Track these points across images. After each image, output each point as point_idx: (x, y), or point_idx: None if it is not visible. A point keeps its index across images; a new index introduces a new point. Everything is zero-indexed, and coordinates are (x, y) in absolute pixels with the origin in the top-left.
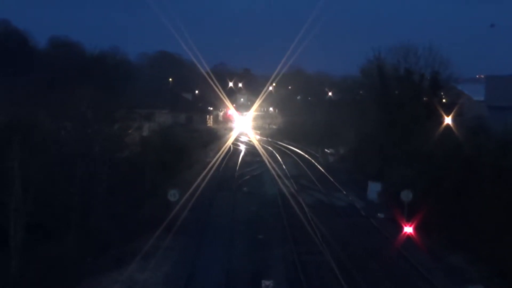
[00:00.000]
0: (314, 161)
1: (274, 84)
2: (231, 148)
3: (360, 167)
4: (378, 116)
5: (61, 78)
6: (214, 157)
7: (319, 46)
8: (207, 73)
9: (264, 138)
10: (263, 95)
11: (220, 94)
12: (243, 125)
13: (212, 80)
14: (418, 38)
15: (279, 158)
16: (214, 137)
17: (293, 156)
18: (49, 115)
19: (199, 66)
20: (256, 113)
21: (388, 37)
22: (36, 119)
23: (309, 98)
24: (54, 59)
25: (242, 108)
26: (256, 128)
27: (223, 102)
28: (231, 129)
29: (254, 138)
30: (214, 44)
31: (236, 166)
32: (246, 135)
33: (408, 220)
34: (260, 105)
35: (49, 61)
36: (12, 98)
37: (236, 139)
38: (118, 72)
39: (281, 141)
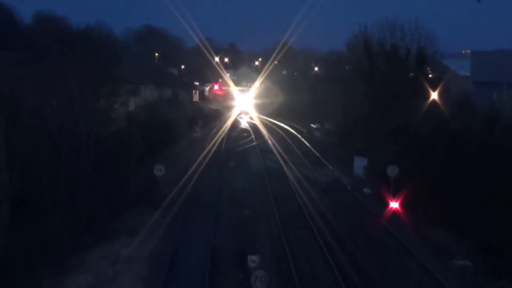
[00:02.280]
0: (300, 136)
1: (260, 59)
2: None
3: (346, 142)
4: (364, 92)
5: (46, 53)
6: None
7: (305, 21)
8: (203, 44)
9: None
10: (265, 71)
11: (219, 69)
12: (244, 103)
13: (210, 54)
14: (405, 13)
15: (265, 133)
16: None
17: (280, 131)
18: (34, 90)
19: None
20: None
21: (375, 12)
22: (21, 95)
23: (295, 74)
24: (39, 35)
25: (228, 83)
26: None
27: (209, 77)
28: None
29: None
30: (200, 19)
31: (223, 141)
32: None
33: (394, 196)
34: (245, 80)
35: (34, 36)
36: None
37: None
38: (104, 47)
39: (271, 118)
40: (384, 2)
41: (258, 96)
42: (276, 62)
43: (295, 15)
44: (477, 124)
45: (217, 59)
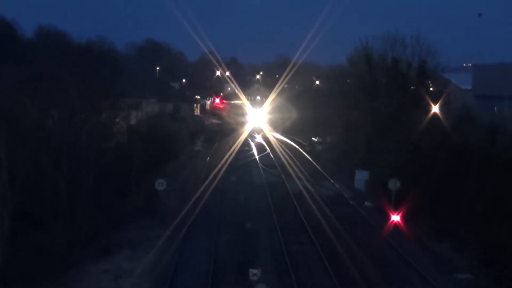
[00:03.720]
0: (302, 150)
1: (261, 73)
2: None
3: (348, 155)
4: (366, 105)
5: (48, 67)
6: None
7: (306, 35)
8: (207, 57)
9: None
10: (279, 87)
11: (234, 87)
12: (256, 119)
13: (218, 66)
14: (406, 27)
15: (267, 147)
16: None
17: (282, 145)
18: (35, 104)
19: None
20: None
21: (376, 27)
22: (23, 108)
23: (296, 87)
24: (41, 49)
25: (229, 96)
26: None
27: (210, 91)
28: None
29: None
30: (201, 33)
31: (224, 155)
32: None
33: (396, 209)
34: (248, 94)
35: (36, 50)
36: None
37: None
38: (105, 61)
39: (273, 132)
40: (386, 16)
41: (269, 112)
42: (285, 85)
43: (296, 29)
44: (478, 137)
45: (218, 73)
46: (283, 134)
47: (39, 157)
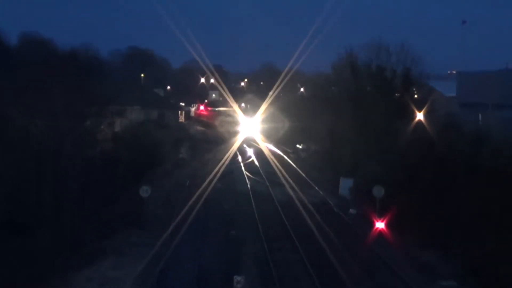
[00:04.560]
0: (287, 157)
1: (246, 80)
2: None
3: (332, 163)
4: (350, 113)
5: (32, 75)
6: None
7: (291, 43)
8: (209, 69)
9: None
10: (271, 96)
11: (225, 93)
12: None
13: (215, 77)
14: (391, 35)
15: (252, 155)
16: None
17: (265, 152)
18: (20, 112)
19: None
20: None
21: (361, 35)
22: (7, 116)
23: (281, 95)
24: (25, 56)
25: (213, 103)
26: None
27: (195, 98)
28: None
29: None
30: (185, 41)
31: (208, 162)
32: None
33: (380, 216)
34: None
35: (20, 57)
36: None
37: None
38: (90, 69)
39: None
40: (372, 25)
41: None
42: (261, 83)
43: (280, 37)
44: (463, 145)
45: (203, 80)
46: (271, 142)
47: (24, 165)
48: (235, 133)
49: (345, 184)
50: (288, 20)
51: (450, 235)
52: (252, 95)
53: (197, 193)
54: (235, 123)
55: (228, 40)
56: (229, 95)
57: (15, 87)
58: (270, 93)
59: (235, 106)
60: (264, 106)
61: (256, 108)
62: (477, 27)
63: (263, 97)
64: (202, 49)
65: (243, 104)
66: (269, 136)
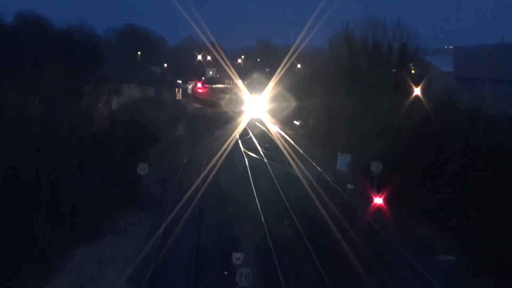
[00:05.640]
0: (284, 133)
1: (242, 57)
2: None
3: (330, 139)
4: (347, 89)
5: (28, 54)
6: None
7: (288, 19)
8: (212, 44)
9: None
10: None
11: (227, 68)
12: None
13: (220, 54)
14: (388, 10)
15: (249, 130)
16: None
17: (263, 127)
18: (15, 91)
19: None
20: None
21: (359, 10)
22: (2, 95)
23: (280, 72)
24: (21, 35)
25: (210, 81)
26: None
27: (192, 76)
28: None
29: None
30: (181, 18)
31: (203, 139)
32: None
33: (378, 192)
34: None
35: (16, 36)
36: None
37: None
38: (86, 46)
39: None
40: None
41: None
42: (267, 69)
43: (277, 14)
44: (460, 120)
45: (199, 57)
46: (271, 119)
47: (19, 145)
48: (235, 111)
49: (343, 160)
50: None
51: (447, 210)
52: (257, 73)
53: (195, 170)
54: (236, 100)
55: (223, 16)
56: (234, 71)
57: (11, 66)
58: (276, 73)
59: (238, 83)
60: (263, 84)
61: (258, 85)
62: (474, 2)
63: (263, 75)
64: (198, 27)
65: (239, 81)
66: (268, 112)
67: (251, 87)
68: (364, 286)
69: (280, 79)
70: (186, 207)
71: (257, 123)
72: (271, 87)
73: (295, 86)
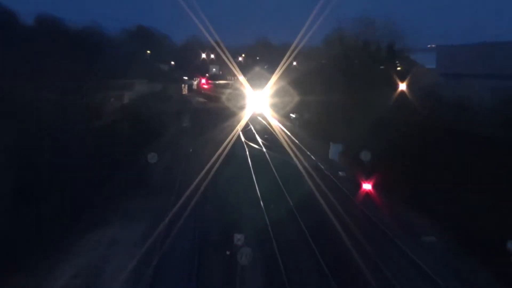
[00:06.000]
0: (282, 124)
1: (243, 55)
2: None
3: (323, 130)
4: (339, 83)
5: (46, 53)
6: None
7: (285, 18)
8: (216, 42)
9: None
10: (284, 67)
11: (230, 64)
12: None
13: (223, 51)
14: (380, 8)
15: (249, 122)
16: None
17: (262, 119)
18: (33, 86)
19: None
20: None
21: (352, 9)
22: (21, 91)
23: (280, 69)
24: (40, 35)
25: (214, 77)
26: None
27: (196, 72)
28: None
29: None
30: (186, 18)
31: (207, 130)
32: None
33: (367, 179)
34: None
35: (35, 37)
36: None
37: None
38: (98, 46)
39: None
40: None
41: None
42: (257, 58)
43: (275, 13)
44: (443, 111)
45: (203, 55)
46: (269, 111)
47: (35, 135)
48: (237, 105)
49: (335, 149)
50: None
51: (431, 195)
52: (258, 68)
53: (199, 159)
54: (238, 95)
55: (225, 16)
56: (236, 68)
57: (30, 64)
58: (277, 70)
59: (241, 79)
60: (263, 80)
61: (258, 81)
62: (456, 3)
63: (262, 72)
64: (202, 26)
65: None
66: (268, 106)
67: (251, 83)
68: (352, 255)
69: (278, 76)
70: (192, 191)
71: (257, 116)
72: (270, 83)
73: (292, 82)
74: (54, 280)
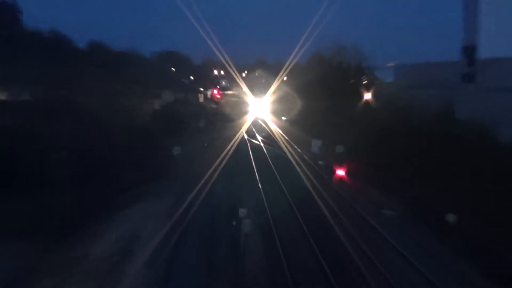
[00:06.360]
0: (275, 124)
1: (246, 72)
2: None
3: (307, 129)
4: (320, 93)
5: (97, 69)
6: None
7: (279, 42)
8: (226, 61)
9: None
10: (278, 81)
11: (236, 77)
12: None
13: (231, 68)
14: (351, 34)
15: (250, 122)
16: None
17: (260, 120)
18: (90, 95)
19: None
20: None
21: (330, 31)
22: (81, 100)
23: (270, 81)
24: (91, 56)
25: (223, 88)
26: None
27: (212, 82)
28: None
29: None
30: (203, 42)
31: (218, 129)
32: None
33: (340, 166)
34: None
35: (87, 58)
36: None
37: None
38: (135, 64)
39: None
40: (336, 27)
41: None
42: (262, 80)
43: (271, 38)
44: (397, 113)
45: (215, 72)
46: (266, 115)
47: (90, 131)
48: (241, 110)
49: (316, 144)
50: (278, 24)
51: (389, 178)
52: (257, 81)
53: (212, 151)
54: (242, 103)
55: (232, 40)
56: (242, 81)
57: (86, 77)
58: (275, 81)
59: (245, 90)
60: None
61: (258, 92)
62: (409, 29)
63: (262, 84)
64: (215, 49)
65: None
66: (265, 110)
67: (253, 93)
68: (327, 220)
69: (274, 87)
70: (208, 176)
71: (257, 117)
72: (268, 93)
73: (284, 93)
74: (99, 243)
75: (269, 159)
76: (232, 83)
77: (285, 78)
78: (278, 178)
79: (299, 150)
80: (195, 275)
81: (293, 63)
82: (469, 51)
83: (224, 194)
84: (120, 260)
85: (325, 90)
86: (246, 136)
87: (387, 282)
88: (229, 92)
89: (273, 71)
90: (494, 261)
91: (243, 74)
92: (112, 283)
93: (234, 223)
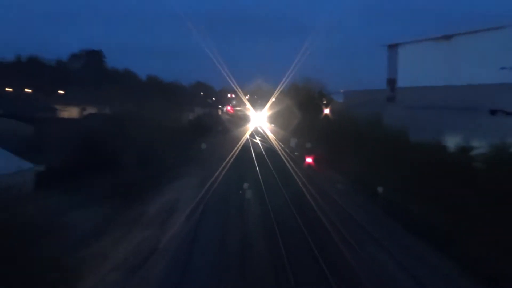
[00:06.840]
0: (268, 129)
1: (248, 95)
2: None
3: (288, 132)
4: (296, 110)
5: (153, 95)
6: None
7: (272, 71)
8: (236, 87)
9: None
10: (272, 99)
11: (242, 98)
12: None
13: (239, 92)
14: (318, 68)
15: (251, 129)
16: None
17: (258, 127)
18: (148, 112)
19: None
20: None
21: (302, 68)
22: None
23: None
24: (149, 86)
25: (234, 106)
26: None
27: (227, 101)
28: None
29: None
30: (222, 75)
31: (231, 131)
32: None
33: (309, 156)
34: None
35: (145, 88)
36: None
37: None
38: (179, 92)
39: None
40: (308, 65)
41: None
42: (258, 100)
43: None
44: (346, 122)
45: (229, 95)
46: (263, 124)
47: (146, 135)
48: (246, 120)
49: (293, 141)
50: (271, 62)
51: (342, 163)
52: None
53: (227, 145)
54: (246, 115)
55: (241, 71)
56: (247, 102)
57: (146, 101)
58: (269, 101)
59: (248, 107)
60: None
61: (257, 109)
62: (359, 62)
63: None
64: (229, 80)
65: (248, 106)
66: (263, 120)
67: (254, 109)
68: (300, 188)
69: (268, 105)
70: (225, 165)
71: (256, 125)
72: (264, 109)
73: (274, 109)
74: (153, 204)
75: (263, 151)
76: (240, 102)
77: (273, 99)
78: (269, 163)
79: (282, 145)
80: (218, 220)
81: (280, 89)
82: (391, 82)
83: (233, 174)
84: (168, 216)
85: (299, 107)
86: (248, 136)
87: (335, 226)
88: (238, 108)
89: (267, 95)
90: (408, 215)
91: (247, 96)
92: (163, 230)
93: (240, 192)
